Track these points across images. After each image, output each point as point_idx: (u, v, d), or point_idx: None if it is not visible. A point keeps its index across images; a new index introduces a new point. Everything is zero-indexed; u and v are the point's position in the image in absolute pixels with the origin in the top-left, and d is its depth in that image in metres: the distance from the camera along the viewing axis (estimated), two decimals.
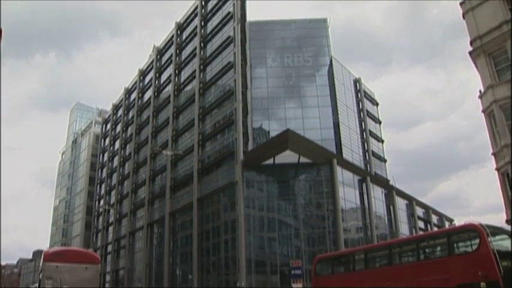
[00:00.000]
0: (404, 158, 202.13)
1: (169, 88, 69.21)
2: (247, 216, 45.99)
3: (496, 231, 16.51)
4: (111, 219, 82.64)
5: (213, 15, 61.40)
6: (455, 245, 17.76)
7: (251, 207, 47.10)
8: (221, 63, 56.29)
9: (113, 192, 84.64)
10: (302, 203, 48.38)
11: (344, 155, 56.38)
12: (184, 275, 56.27)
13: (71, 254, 22.89)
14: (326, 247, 44.79)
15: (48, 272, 20.41)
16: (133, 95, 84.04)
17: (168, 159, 62.45)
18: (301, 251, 44.90)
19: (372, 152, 66.78)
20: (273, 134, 53.35)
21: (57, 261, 20.80)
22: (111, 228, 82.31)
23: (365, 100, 69.87)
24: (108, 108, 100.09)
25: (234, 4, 55.91)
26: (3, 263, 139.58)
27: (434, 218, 72.26)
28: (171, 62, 69.82)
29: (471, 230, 16.46)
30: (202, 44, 62.25)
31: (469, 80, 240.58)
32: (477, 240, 15.87)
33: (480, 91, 24.37)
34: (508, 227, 19.69)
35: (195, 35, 64.53)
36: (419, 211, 68.11)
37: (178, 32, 70.56)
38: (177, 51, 69.25)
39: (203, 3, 64.29)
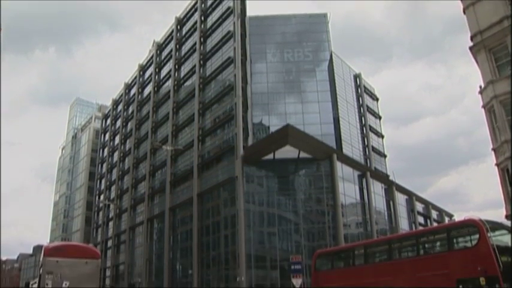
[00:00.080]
0: (404, 153, 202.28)
1: (169, 83, 69.15)
2: (247, 211, 46.07)
3: (495, 226, 16.55)
4: (111, 214, 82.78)
5: (213, 10, 61.27)
6: (455, 240, 17.80)
7: (251, 202, 47.17)
8: (221, 58, 56.23)
9: (113, 187, 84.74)
10: (302, 198, 48.45)
11: (344, 150, 56.38)
12: (184, 270, 56.43)
13: (71, 249, 22.86)
14: (326, 242, 44.86)
15: (49, 267, 20.41)
16: (133, 90, 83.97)
17: (168, 154, 62.48)
18: (301, 246, 44.97)
19: (372, 147, 66.76)
20: (273, 129, 53.30)
21: (57, 256, 20.79)
22: (111, 223, 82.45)
23: (365, 95, 69.76)
24: (108, 103, 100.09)
25: None
26: (3, 258, 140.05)
27: (434, 214, 72.36)
28: (171, 57, 69.73)
29: (471, 226, 16.50)
30: (202, 39, 62.14)
31: (469, 75, 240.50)
32: (477, 236, 15.91)
33: (480, 86, 24.33)
34: (507, 223, 19.70)
35: (195, 30, 64.43)
36: (419, 206, 68.20)
37: (178, 27, 70.43)
38: (177, 46, 69.15)
39: None
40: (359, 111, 67.03)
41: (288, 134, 44.32)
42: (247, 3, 58.66)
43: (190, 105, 61.33)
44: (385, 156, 71.57)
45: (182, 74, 66.33)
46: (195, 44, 63.05)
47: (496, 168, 23.17)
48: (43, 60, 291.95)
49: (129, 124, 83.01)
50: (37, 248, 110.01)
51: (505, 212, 22.22)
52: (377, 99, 75.59)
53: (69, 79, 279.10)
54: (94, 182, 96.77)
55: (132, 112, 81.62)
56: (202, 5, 63.92)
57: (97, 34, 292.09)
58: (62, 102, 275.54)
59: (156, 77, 74.53)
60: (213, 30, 59.97)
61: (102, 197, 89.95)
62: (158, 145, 63.55)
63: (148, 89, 77.00)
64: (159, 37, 76.78)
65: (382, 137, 72.94)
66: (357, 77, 69.76)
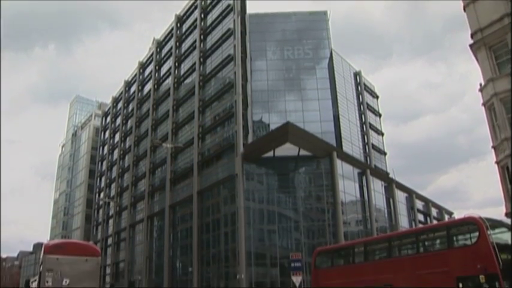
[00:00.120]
0: (404, 151, 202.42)
1: (169, 81, 69.12)
2: (247, 208, 46.09)
3: (495, 224, 16.54)
4: (111, 212, 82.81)
5: (213, 7, 61.20)
6: (454, 238, 17.81)
7: (251, 199, 47.20)
8: (221, 56, 56.20)
9: (113, 185, 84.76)
10: (302, 196, 48.48)
11: (344, 147, 56.36)
12: (184, 267, 56.49)
13: (71, 247, 22.91)
14: (326, 240, 44.92)
15: (49, 265, 20.45)
16: (133, 88, 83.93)
17: (168, 152, 62.47)
18: (301, 244, 45.02)
19: (372, 145, 66.75)
20: (273, 126, 53.24)
21: (57, 253, 20.83)
22: (111, 221, 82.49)
23: (365, 93, 69.72)
24: (108, 101, 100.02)
25: None
26: (3, 256, 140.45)
27: (434, 211, 72.44)
28: (171, 54, 69.68)
29: (471, 223, 16.49)
30: (202, 37, 62.10)
31: (470, 73, 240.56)
32: (476, 233, 15.90)
33: (480, 84, 24.31)
34: (507, 220, 19.73)
35: (195, 27, 64.37)
36: (419, 204, 68.29)
37: (178, 25, 70.35)
38: (177, 43, 69.09)
39: None
40: (359, 109, 67.00)
41: (288, 132, 44.31)
42: (247, 1, 58.69)
43: (190, 102, 61.31)
44: (385, 154, 71.58)
45: (182, 72, 66.29)
46: (195, 41, 63.00)
47: (496, 166, 23.17)
48: (43, 57, 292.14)
49: (129, 122, 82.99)
50: (37, 246, 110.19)
51: (505, 209, 22.23)
52: (377, 97, 75.57)
53: (69, 77, 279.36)
54: (94, 180, 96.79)
55: (132, 110, 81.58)
56: (202, 3, 63.82)
57: (97, 32, 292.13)
58: (61, 100, 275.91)
59: (156, 74, 74.49)
60: (213, 28, 59.93)
61: (102, 194, 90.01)
62: (158, 143, 63.53)
63: (148, 86, 76.97)
64: (159, 35, 76.78)
65: (382, 134, 72.95)
66: (357, 74, 69.70)
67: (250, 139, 51.01)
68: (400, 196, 62.20)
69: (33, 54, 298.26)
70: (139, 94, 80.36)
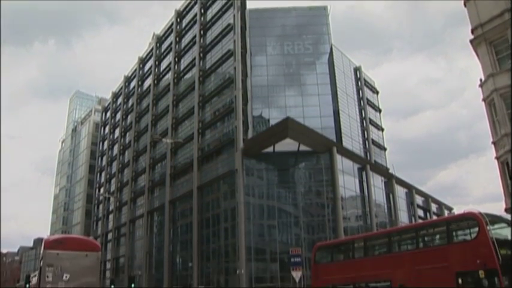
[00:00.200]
0: (404, 146, 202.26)
1: (169, 76, 69.04)
2: (247, 204, 46.16)
3: (495, 219, 16.55)
4: (111, 207, 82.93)
5: (213, 2, 61.03)
6: (454, 234, 17.81)
7: (251, 195, 47.25)
8: (221, 51, 56.11)
9: (113, 180, 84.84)
10: (302, 191, 48.52)
11: (344, 143, 56.40)
12: (184, 262, 56.62)
13: (71, 242, 22.96)
14: (326, 235, 44.99)
15: (49, 260, 20.50)
16: (133, 83, 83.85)
17: (168, 147, 62.50)
18: (301, 239, 45.09)
19: (372, 140, 66.80)
20: (273, 122, 53.29)
21: (57, 248, 20.87)
22: (111, 216, 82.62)
23: (365, 88, 69.70)
24: (108, 96, 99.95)
25: None
26: (4, 251, 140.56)
27: (434, 207, 72.55)
28: (171, 49, 69.56)
29: (470, 219, 16.50)
30: (202, 32, 61.97)
31: (470, 68, 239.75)
32: (476, 229, 15.91)
33: (481, 80, 24.26)
34: (507, 216, 19.71)
35: (195, 22, 64.22)
36: (419, 199, 68.37)
37: (178, 20, 70.19)
38: (177, 39, 68.96)
39: None
40: (359, 104, 67.01)
41: (287, 127, 44.31)
42: None
43: (190, 98, 61.27)
44: (385, 149, 71.64)
45: (182, 67, 66.21)
46: (195, 36, 62.87)
47: (495, 161, 23.16)
48: (42, 52, 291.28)
49: (129, 117, 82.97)
50: (37, 241, 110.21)
51: (505, 205, 22.24)
52: (377, 92, 75.56)
53: (69, 72, 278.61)
54: (94, 175, 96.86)
55: (132, 105, 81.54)
56: None
57: (96, 27, 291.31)
58: (61, 95, 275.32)
59: (156, 69, 74.39)
60: (213, 23, 59.79)
61: (102, 190, 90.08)
62: (158, 138, 63.56)
63: (148, 81, 76.88)
64: (159, 30, 76.60)
65: (382, 130, 72.97)
66: (357, 70, 69.66)
67: (250, 134, 51.03)
68: (400, 191, 62.25)
69: (32, 49, 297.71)
70: (139, 89, 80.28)
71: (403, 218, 59.87)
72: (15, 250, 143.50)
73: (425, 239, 19.42)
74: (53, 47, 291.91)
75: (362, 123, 66.18)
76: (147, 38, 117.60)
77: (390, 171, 63.64)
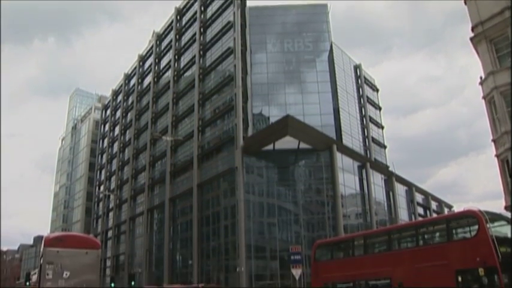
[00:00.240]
0: (404, 144, 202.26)
1: (169, 74, 69.00)
2: (247, 201, 46.19)
3: (494, 217, 16.55)
4: (111, 204, 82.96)
5: (213, 0, 60.93)
6: (454, 231, 17.81)
7: (251, 192, 47.28)
8: (221, 49, 56.07)
9: (113, 178, 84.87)
10: (302, 189, 48.56)
11: (344, 141, 56.36)
12: (184, 260, 56.67)
13: (71, 239, 23.01)
14: (325, 233, 45.04)
15: (49, 257, 20.53)
16: (133, 81, 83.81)
17: (168, 145, 62.50)
18: (301, 237, 45.15)
19: (372, 138, 66.75)
20: (273, 119, 53.22)
21: (57, 246, 20.90)
22: (111, 214, 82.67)
23: (365, 86, 69.62)
24: (108, 94, 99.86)
25: None
26: (4, 249, 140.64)
27: (434, 205, 72.62)
28: (171, 47, 69.50)
29: (470, 216, 16.50)
30: (202, 30, 61.90)
31: (470, 66, 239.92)
32: (476, 227, 15.91)
33: (481, 77, 24.24)
34: (507, 214, 19.74)
35: (195, 20, 64.14)
36: (419, 197, 68.44)
37: (178, 17, 70.09)
38: (177, 36, 68.87)
39: None
40: (359, 102, 66.95)
41: (287, 125, 44.30)
42: None
43: (190, 95, 61.24)
44: (385, 147, 71.61)
45: (182, 65, 66.15)
46: (195, 34, 62.80)
47: (495, 159, 23.16)
48: (42, 50, 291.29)
49: (129, 115, 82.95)
50: (38, 239, 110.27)
51: (505, 203, 22.25)
52: (377, 90, 75.50)
53: (69, 70, 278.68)
54: (94, 173, 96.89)
55: (132, 103, 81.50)
56: None
57: (96, 24, 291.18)
58: (61, 93, 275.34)
59: (156, 67, 74.34)
60: (213, 21, 59.73)
61: (102, 187, 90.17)
62: (158, 136, 63.54)
63: (148, 79, 76.83)
64: (159, 27, 76.53)
65: (382, 128, 72.94)
66: (357, 67, 69.56)
67: (250, 132, 51.01)
68: (400, 189, 62.31)
69: (32, 47, 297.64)
70: (139, 87, 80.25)
71: (403, 216, 59.94)
72: (15, 248, 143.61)
73: (425, 236, 19.43)
74: (53, 44, 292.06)
75: (362, 121, 66.14)
76: (147, 35, 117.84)
77: (390, 169, 63.63)
